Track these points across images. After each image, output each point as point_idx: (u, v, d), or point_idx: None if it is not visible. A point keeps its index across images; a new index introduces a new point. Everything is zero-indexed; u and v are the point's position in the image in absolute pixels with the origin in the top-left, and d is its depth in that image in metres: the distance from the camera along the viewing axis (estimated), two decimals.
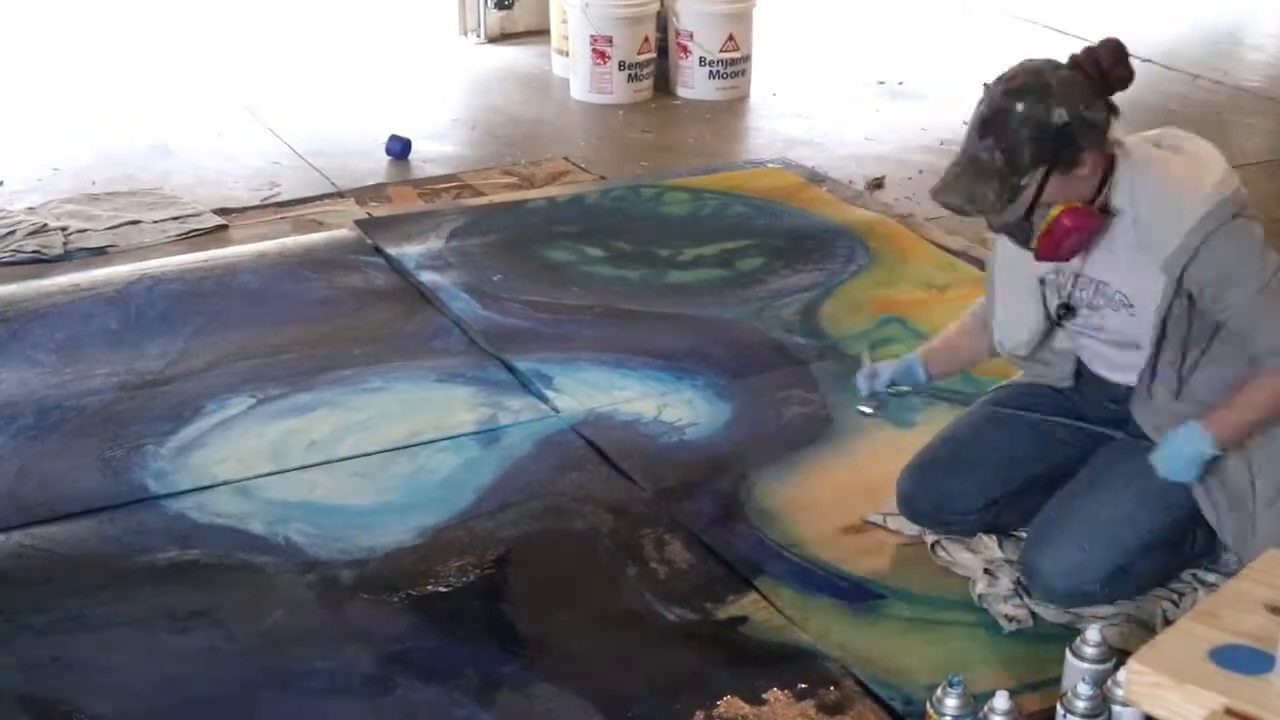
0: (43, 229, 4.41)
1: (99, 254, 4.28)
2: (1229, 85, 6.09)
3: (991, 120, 2.34)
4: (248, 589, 2.75)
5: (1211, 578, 2.63)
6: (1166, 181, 2.41)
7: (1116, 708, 2.22)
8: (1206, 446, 2.45)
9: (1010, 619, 2.61)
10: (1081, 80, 2.36)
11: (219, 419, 3.35)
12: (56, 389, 3.48)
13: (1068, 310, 2.59)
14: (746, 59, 5.97)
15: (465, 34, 6.65)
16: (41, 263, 4.22)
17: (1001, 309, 2.69)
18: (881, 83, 6.12)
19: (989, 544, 2.76)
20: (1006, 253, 2.60)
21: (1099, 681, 2.21)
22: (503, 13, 6.65)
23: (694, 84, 5.91)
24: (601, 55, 5.77)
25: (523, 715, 2.42)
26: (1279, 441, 2.52)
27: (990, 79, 2.41)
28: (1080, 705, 2.20)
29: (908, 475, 2.83)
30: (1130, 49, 2.46)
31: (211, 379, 3.52)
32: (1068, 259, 2.48)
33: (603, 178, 4.97)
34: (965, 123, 2.44)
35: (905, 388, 2.82)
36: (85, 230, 4.42)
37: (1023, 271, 2.61)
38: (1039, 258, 2.47)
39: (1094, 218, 2.42)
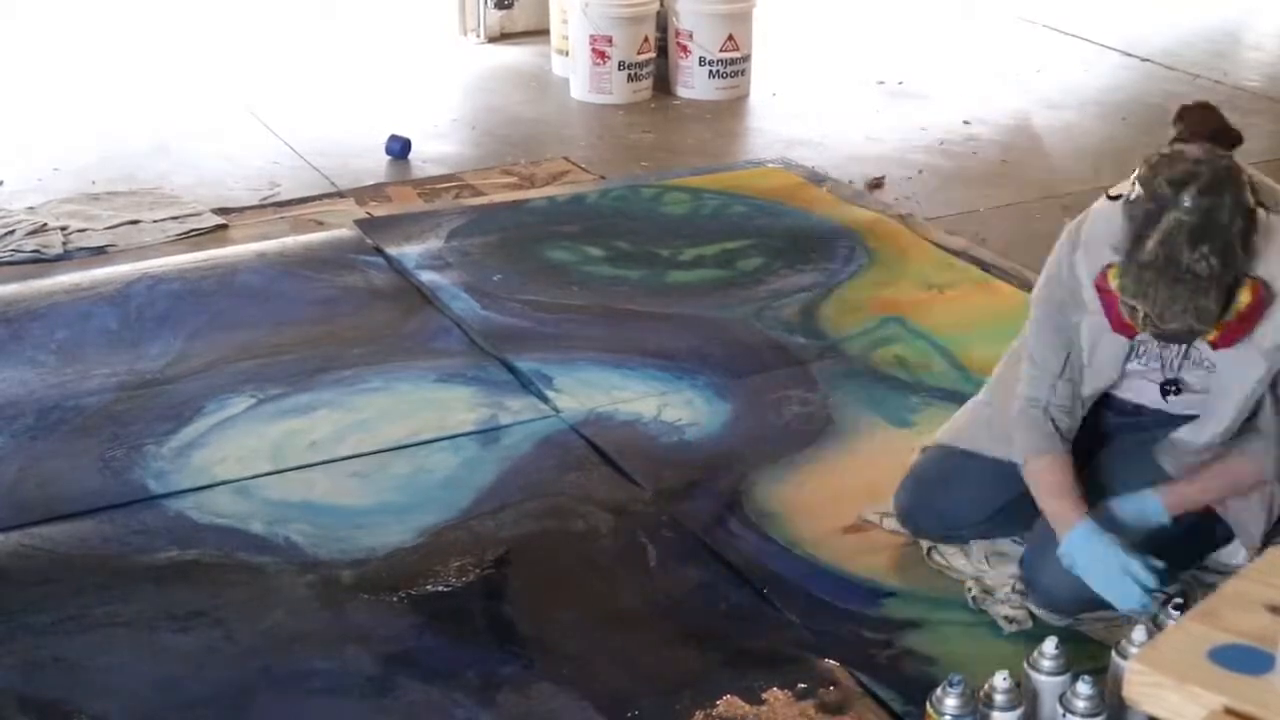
0: (43, 229, 4.41)
1: (99, 254, 4.28)
2: (1229, 85, 6.09)
3: (1202, 226, 2.16)
4: (248, 589, 2.75)
5: (1211, 578, 2.63)
6: None
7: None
8: (1162, 518, 2.51)
9: (1010, 620, 2.62)
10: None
11: (219, 419, 3.35)
12: (56, 389, 3.47)
13: (1175, 387, 2.52)
14: (746, 59, 5.97)
15: (465, 34, 6.64)
16: (41, 262, 4.21)
17: (1091, 380, 2.58)
18: (881, 83, 6.12)
19: (980, 560, 2.77)
20: (1091, 333, 2.50)
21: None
22: (503, 13, 6.64)
23: (694, 84, 5.91)
24: (601, 55, 5.77)
25: (523, 715, 2.42)
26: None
27: (1149, 185, 2.20)
28: (1080, 705, 2.20)
29: (906, 491, 2.82)
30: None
31: (211, 379, 3.52)
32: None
33: (603, 178, 4.97)
34: (1141, 234, 2.19)
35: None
36: (85, 230, 4.42)
37: (1107, 348, 2.52)
38: (1219, 346, 2.36)
39: (1265, 294, 2.29)
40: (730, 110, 5.83)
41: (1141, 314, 2.27)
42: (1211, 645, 1.52)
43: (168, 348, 3.67)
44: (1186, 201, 2.18)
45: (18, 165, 4.98)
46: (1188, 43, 6.72)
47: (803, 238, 4.40)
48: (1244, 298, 2.27)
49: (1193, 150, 2.24)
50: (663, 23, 5.94)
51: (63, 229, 4.42)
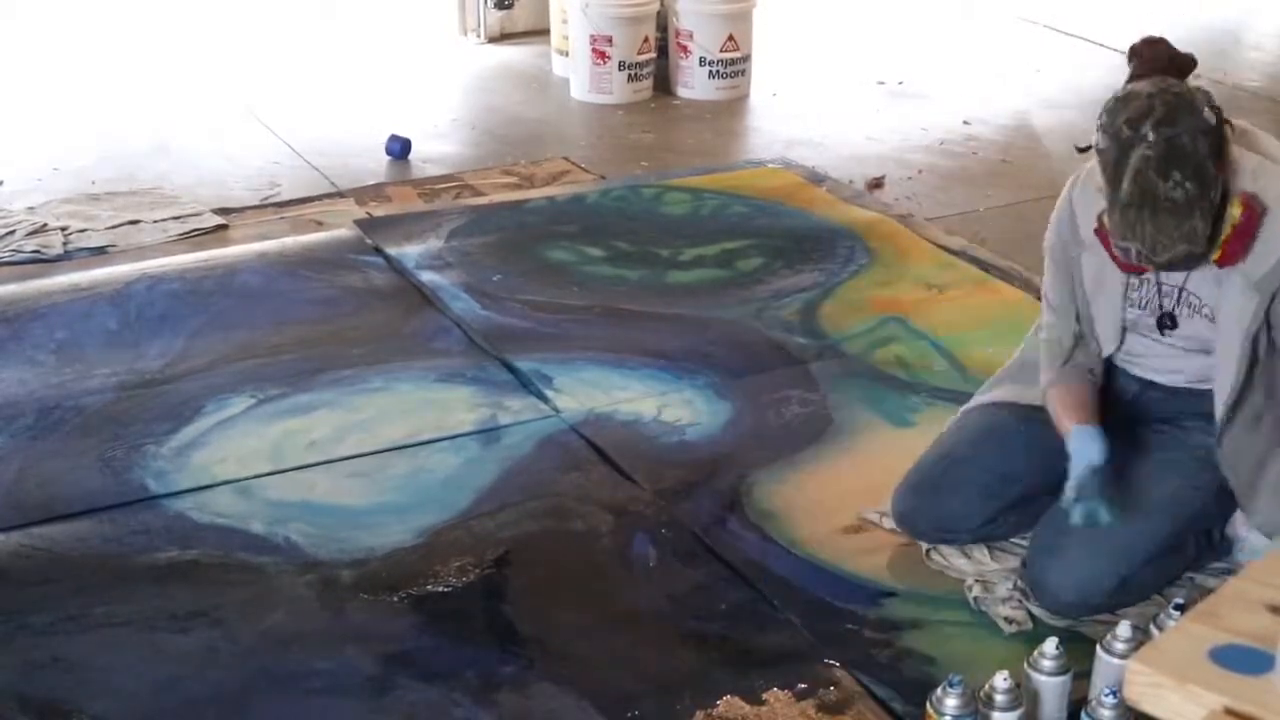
0: (43, 229, 4.42)
1: (99, 254, 4.28)
2: (1229, 85, 6.09)
3: (1168, 155, 2.21)
4: (248, 589, 2.75)
5: (1213, 582, 2.63)
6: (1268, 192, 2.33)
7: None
8: None
9: (1010, 621, 2.61)
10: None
11: (219, 419, 3.35)
12: (56, 389, 3.48)
13: (1171, 321, 2.56)
14: (746, 59, 5.97)
15: (465, 34, 6.65)
16: (41, 262, 4.22)
17: (1098, 319, 2.62)
18: (881, 83, 6.12)
19: (981, 556, 2.77)
20: (1092, 268, 2.57)
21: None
22: (503, 13, 6.65)
23: (694, 84, 5.91)
24: (601, 55, 5.77)
25: (523, 715, 2.42)
26: None
27: (1110, 130, 2.26)
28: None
29: (904, 495, 2.81)
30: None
31: (211, 379, 3.52)
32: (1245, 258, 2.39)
33: (603, 178, 4.97)
34: (1108, 181, 2.27)
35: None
36: (85, 230, 4.42)
37: (1109, 284, 2.57)
38: (1223, 264, 2.38)
39: (1257, 207, 2.34)
40: (730, 110, 5.83)
41: (1135, 252, 2.31)
42: (1211, 645, 1.52)
43: (168, 348, 3.68)
44: (1149, 136, 2.23)
45: (18, 165, 4.99)
46: (1187, 43, 6.65)
47: (803, 238, 4.40)
48: (1235, 212, 2.31)
49: (1144, 86, 2.29)
50: (663, 23, 5.94)
51: (63, 229, 4.42)
